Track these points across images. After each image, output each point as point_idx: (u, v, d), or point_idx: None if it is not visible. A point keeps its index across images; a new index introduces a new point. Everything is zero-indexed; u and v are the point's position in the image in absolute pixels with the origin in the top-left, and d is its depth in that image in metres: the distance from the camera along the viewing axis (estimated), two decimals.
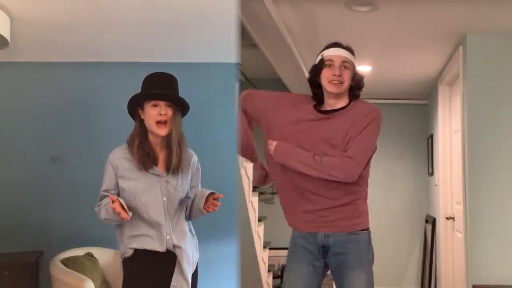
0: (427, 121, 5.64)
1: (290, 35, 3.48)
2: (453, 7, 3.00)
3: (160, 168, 2.36)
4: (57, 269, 3.21)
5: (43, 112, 3.81)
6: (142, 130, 2.35)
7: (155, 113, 2.29)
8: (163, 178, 2.35)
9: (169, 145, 2.33)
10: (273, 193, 5.43)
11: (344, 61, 2.17)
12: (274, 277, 4.68)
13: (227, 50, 3.57)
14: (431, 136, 5.30)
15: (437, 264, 4.89)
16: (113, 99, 3.84)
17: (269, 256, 4.29)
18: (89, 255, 3.49)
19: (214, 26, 3.16)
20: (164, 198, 2.34)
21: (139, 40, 3.42)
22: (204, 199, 2.31)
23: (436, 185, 4.90)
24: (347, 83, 2.17)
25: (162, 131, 2.30)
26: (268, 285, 4.14)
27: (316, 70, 2.20)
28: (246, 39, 3.55)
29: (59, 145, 3.82)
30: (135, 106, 2.37)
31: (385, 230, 5.69)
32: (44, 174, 3.77)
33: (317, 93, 2.25)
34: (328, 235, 2.22)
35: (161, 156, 2.37)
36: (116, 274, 3.47)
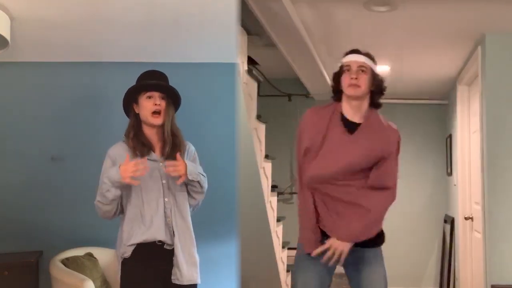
0: (445, 121, 5.63)
1: (309, 35, 3.49)
2: (472, 7, 3.00)
3: (157, 154, 2.44)
4: (57, 269, 3.21)
5: (43, 112, 3.81)
6: (136, 124, 2.45)
7: (150, 104, 2.40)
8: (161, 163, 2.41)
9: (164, 134, 2.42)
10: (292, 193, 5.44)
11: (360, 66, 2.26)
12: None
13: (227, 50, 3.57)
14: (450, 136, 5.29)
15: (456, 264, 4.88)
16: (113, 99, 3.83)
17: (287, 256, 4.27)
18: (89, 255, 3.50)
19: (214, 26, 3.16)
20: (164, 181, 2.40)
21: (139, 40, 3.42)
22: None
23: (455, 185, 4.89)
24: (364, 87, 2.25)
25: (157, 121, 2.40)
26: (287, 285, 4.14)
27: (337, 76, 2.31)
28: (264, 39, 3.56)
29: (59, 145, 3.82)
30: (130, 100, 2.46)
31: (403, 230, 5.69)
32: (44, 174, 3.77)
33: (338, 97, 2.33)
34: None
35: (158, 146, 2.45)
36: (116, 274, 3.45)
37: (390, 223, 5.87)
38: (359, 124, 2.28)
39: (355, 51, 2.32)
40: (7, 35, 2.80)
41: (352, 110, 2.29)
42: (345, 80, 2.26)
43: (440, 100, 5.67)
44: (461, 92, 4.66)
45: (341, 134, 2.27)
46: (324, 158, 2.25)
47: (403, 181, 5.61)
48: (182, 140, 2.47)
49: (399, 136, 2.33)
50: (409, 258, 5.72)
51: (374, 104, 2.32)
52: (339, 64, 2.34)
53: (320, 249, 2.22)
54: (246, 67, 3.32)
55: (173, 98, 2.48)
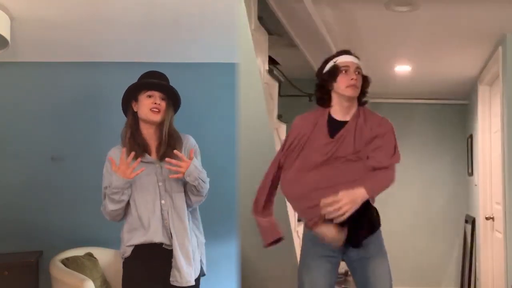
0: (466, 121, 5.62)
1: (330, 35, 3.49)
2: (493, 7, 2.99)
3: (153, 156, 2.44)
4: (57, 269, 3.21)
5: (43, 112, 3.81)
6: (134, 122, 2.46)
7: (150, 102, 2.41)
8: (157, 165, 2.41)
9: (160, 135, 2.42)
10: None
11: (357, 67, 2.29)
12: None
13: (227, 50, 3.57)
14: (471, 136, 5.29)
15: (477, 264, 4.86)
16: (113, 99, 3.82)
17: None
18: (89, 255, 3.50)
19: (214, 26, 3.16)
20: (160, 183, 2.40)
21: (139, 40, 3.42)
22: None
23: (476, 185, 4.89)
24: (359, 88, 2.29)
25: (156, 117, 2.41)
26: None
27: (331, 76, 2.29)
28: (285, 39, 3.57)
29: (59, 145, 3.82)
30: (130, 98, 2.47)
31: (424, 230, 5.70)
32: (44, 174, 3.77)
33: (325, 98, 2.33)
34: None
35: (154, 147, 2.45)
36: (116, 274, 3.46)
37: (411, 223, 5.90)
38: (346, 122, 2.28)
39: (348, 52, 2.33)
40: (7, 35, 2.80)
41: (342, 112, 2.29)
42: (343, 81, 2.26)
43: (461, 100, 5.66)
44: (482, 92, 4.65)
45: (324, 138, 2.26)
46: (304, 174, 2.24)
47: (423, 181, 5.79)
48: (177, 140, 2.45)
49: (391, 126, 2.29)
50: (430, 258, 5.73)
51: (361, 103, 2.34)
52: (331, 64, 2.32)
53: (329, 199, 2.10)
54: (267, 67, 3.30)
55: (173, 100, 2.48)
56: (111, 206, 2.37)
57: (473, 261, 5.05)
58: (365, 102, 2.35)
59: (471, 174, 5.33)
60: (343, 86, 2.26)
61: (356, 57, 2.33)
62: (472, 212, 5.26)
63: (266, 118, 2.99)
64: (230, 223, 3.78)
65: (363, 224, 2.21)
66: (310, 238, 2.33)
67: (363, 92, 2.32)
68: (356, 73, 2.27)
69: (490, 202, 4.52)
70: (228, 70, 3.83)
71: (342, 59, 2.30)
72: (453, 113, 5.80)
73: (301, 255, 2.38)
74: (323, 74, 2.33)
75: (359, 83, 2.28)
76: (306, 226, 2.36)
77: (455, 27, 3.39)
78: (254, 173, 3.19)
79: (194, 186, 2.39)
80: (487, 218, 4.48)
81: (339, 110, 2.30)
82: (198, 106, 3.92)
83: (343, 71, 2.26)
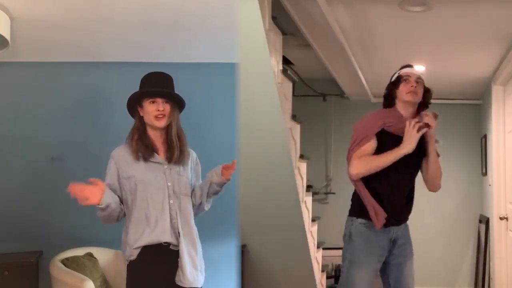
0: (480, 121, 5.62)
1: (344, 35, 3.52)
2: (507, 7, 2.99)
3: (161, 156, 2.45)
4: (57, 269, 3.21)
5: (43, 112, 3.82)
6: (141, 126, 2.46)
7: (154, 109, 2.41)
8: (166, 166, 2.42)
9: (169, 138, 2.44)
10: (327, 193, 5.45)
11: (418, 78, 2.60)
12: (327, 277, 4.66)
13: (227, 50, 3.57)
14: (485, 136, 5.28)
15: (491, 264, 4.87)
16: (113, 99, 3.85)
17: (322, 256, 4.26)
18: (89, 255, 3.50)
19: (214, 26, 3.16)
20: (169, 183, 2.41)
21: (139, 40, 3.42)
22: (219, 171, 2.47)
23: (490, 185, 4.90)
24: (420, 95, 2.60)
25: (161, 123, 2.41)
26: (322, 285, 4.13)
27: (394, 85, 2.62)
28: (300, 39, 3.58)
29: (59, 145, 3.82)
30: (134, 104, 2.47)
31: (438, 230, 5.71)
32: (44, 174, 3.77)
33: (391, 104, 2.64)
34: (398, 229, 2.59)
35: (162, 149, 2.46)
36: (116, 274, 3.47)
37: (425, 223, 5.93)
38: None
39: (410, 66, 2.66)
40: (7, 35, 2.81)
41: (406, 115, 2.57)
42: (404, 88, 2.56)
43: (475, 100, 5.66)
44: (496, 92, 4.67)
45: None
46: None
47: None
48: (186, 146, 2.49)
49: None
50: (444, 258, 5.73)
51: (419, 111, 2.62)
52: (395, 75, 2.63)
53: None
54: (281, 67, 3.30)
55: (176, 101, 2.48)
56: (98, 213, 2.39)
57: (487, 261, 5.05)
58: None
59: (485, 174, 5.32)
60: (404, 93, 2.57)
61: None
62: (486, 212, 5.26)
63: (268, 118, 2.99)
64: (230, 223, 3.78)
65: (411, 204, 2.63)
66: (364, 235, 2.53)
67: (425, 104, 2.63)
68: (417, 82, 2.56)
69: (504, 202, 4.54)
70: (228, 70, 3.83)
71: (404, 71, 2.63)
72: (467, 113, 5.78)
73: (351, 251, 2.56)
74: (389, 84, 2.65)
75: (420, 91, 2.57)
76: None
77: (468, 27, 3.39)
78: (254, 173, 3.20)
79: (216, 192, 2.52)
80: (501, 218, 4.50)
81: (404, 113, 2.58)
82: (198, 106, 3.92)
83: (405, 80, 2.57)
